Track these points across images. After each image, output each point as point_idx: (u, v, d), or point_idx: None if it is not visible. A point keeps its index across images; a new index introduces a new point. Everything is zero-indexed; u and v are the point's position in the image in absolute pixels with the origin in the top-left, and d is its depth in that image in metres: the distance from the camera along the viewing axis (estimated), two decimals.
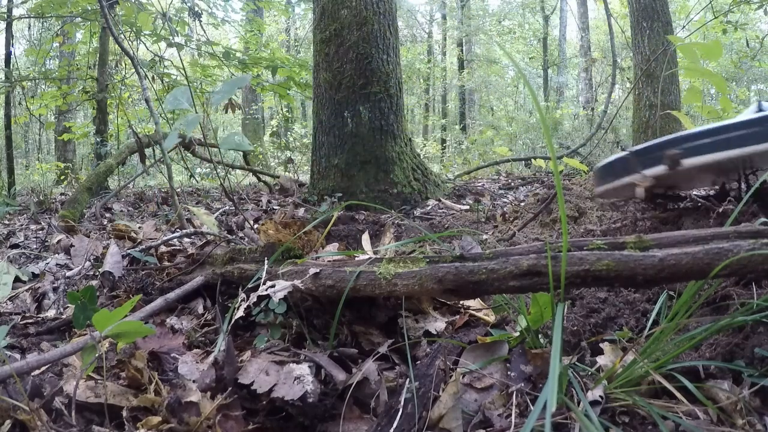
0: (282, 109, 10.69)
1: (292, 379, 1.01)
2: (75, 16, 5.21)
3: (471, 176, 5.73)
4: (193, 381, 1.03)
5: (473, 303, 1.34)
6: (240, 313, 1.20)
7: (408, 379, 1.00)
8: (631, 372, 0.91)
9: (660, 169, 0.61)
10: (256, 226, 2.25)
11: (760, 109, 0.80)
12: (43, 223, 3.03)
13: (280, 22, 16.85)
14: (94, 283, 1.66)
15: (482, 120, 16.97)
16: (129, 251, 1.81)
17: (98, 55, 5.84)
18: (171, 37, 4.65)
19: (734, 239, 0.88)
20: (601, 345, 1.07)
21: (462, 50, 18.99)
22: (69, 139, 7.96)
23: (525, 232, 2.13)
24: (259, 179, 5.50)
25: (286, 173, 7.25)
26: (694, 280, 0.92)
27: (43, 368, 1.06)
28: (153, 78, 5.06)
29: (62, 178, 7.14)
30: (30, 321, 1.45)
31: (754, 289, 1.10)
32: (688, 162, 0.61)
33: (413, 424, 0.90)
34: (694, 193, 1.46)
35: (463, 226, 2.53)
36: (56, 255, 2.12)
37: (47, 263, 1.99)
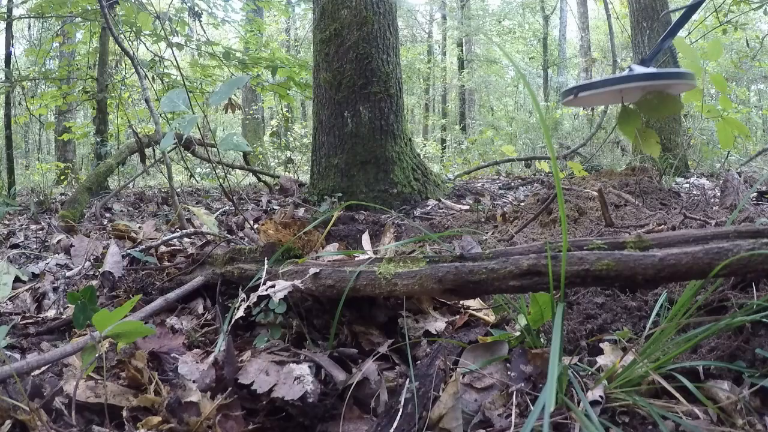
0: (282, 109, 10.70)
1: (292, 379, 1.01)
2: (75, 16, 5.21)
3: (471, 176, 5.73)
4: (193, 381, 1.03)
5: (473, 303, 1.34)
6: (240, 313, 1.20)
7: (408, 379, 1.00)
8: (631, 372, 0.91)
9: (571, 97, 1.19)
10: (256, 226, 2.25)
11: (630, 69, 1.34)
12: (43, 223, 3.03)
13: (280, 22, 16.83)
14: (94, 283, 1.66)
15: (482, 120, 16.95)
16: (129, 251, 1.81)
17: (98, 55, 5.83)
18: (170, 37, 4.65)
19: (734, 239, 0.88)
20: (601, 345, 1.07)
21: (462, 50, 18.99)
22: (69, 139, 7.96)
23: (525, 232, 2.13)
24: (259, 179, 5.50)
25: (286, 173, 7.26)
26: (694, 279, 0.92)
27: (43, 368, 1.06)
28: (153, 78, 5.05)
29: (62, 178, 7.14)
30: (30, 321, 1.45)
31: (754, 290, 1.10)
32: (582, 93, 1.15)
33: (413, 424, 0.90)
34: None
35: (463, 226, 2.53)
36: (56, 255, 2.12)
37: (47, 263, 1.99)
